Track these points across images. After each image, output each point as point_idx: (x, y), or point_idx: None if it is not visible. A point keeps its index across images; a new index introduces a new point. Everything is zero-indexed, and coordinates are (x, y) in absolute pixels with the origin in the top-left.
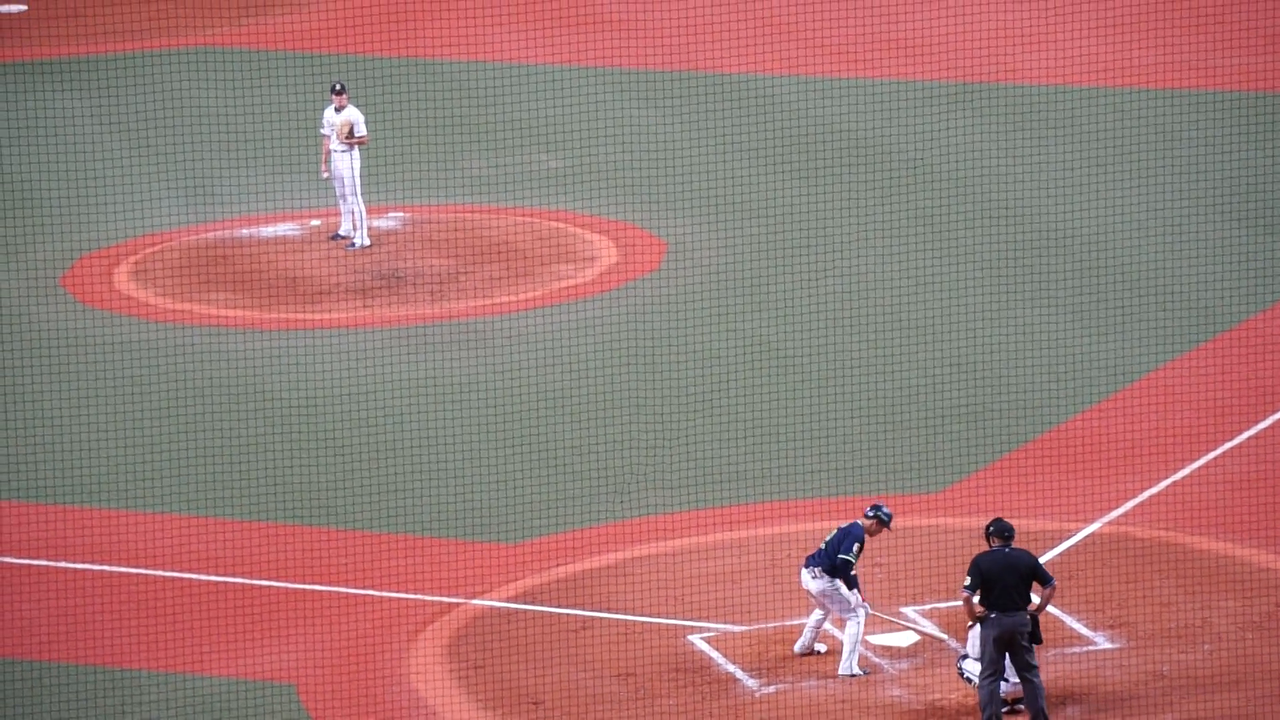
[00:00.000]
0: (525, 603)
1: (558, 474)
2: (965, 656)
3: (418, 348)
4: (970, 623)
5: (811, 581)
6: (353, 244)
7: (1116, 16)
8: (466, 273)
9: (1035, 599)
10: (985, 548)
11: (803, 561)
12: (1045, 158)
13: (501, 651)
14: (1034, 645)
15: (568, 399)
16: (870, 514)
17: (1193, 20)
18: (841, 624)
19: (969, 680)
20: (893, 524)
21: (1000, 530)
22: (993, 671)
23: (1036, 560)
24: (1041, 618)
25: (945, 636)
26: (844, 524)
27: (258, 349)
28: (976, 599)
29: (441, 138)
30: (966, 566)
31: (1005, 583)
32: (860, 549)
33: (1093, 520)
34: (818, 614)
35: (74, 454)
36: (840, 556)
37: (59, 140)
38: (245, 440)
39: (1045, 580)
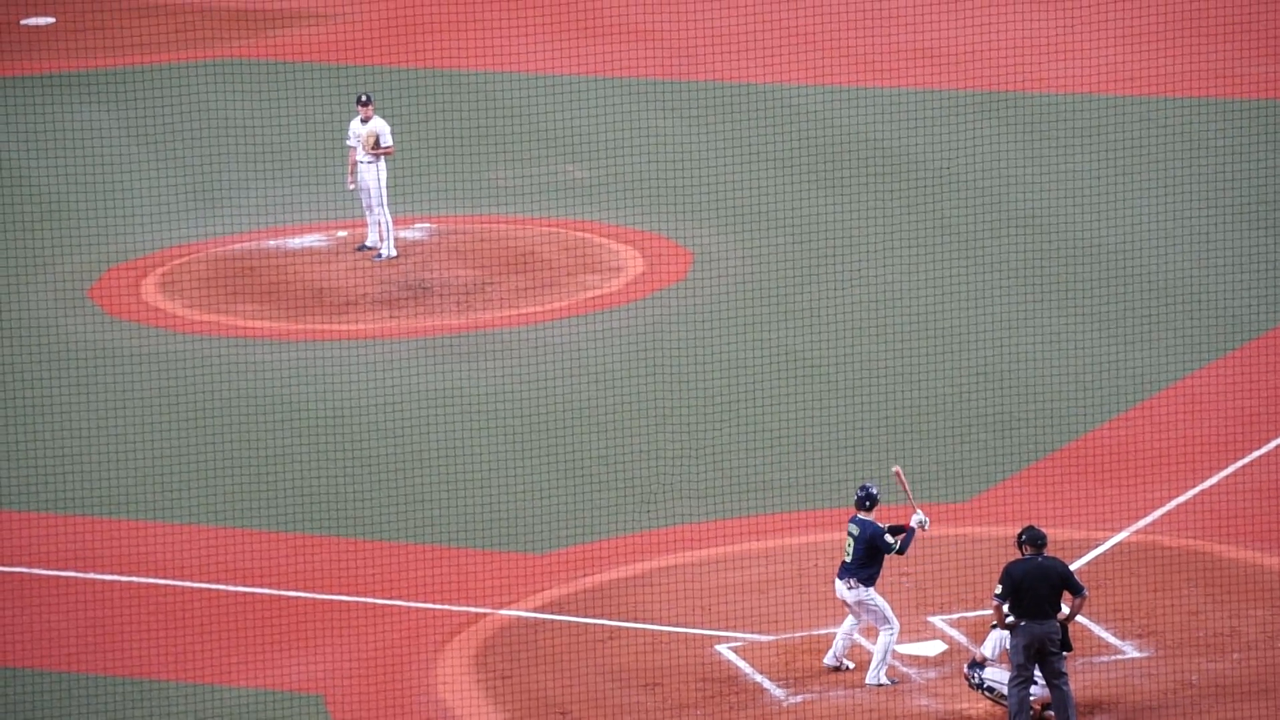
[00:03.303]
0: (552, 613)
1: (584, 484)
2: (980, 665)
3: (444, 358)
4: (992, 624)
5: (847, 592)
6: (379, 255)
7: (1143, 25)
8: (493, 283)
9: (1065, 608)
10: (1015, 555)
11: (836, 573)
12: (1072, 166)
13: (529, 661)
14: (1064, 653)
15: (594, 409)
16: (868, 504)
17: (1219, 28)
18: (873, 634)
19: (989, 690)
20: (878, 501)
21: (1033, 539)
22: (1023, 679)
23: (1069, 569)
24: (1071, 626)
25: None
26: (853, 531)
27: (285, 360)
28: (1006, 607)
29: (467, 148)
30: (994, 575)
31: (1037, 591)
32: (886, 535)
33: (1121, 529)
34: (851, 620)
35: (102, 465)
36: (885, 540)
37: (86, 152)
38: (273, 451)
39: (1077, 590)
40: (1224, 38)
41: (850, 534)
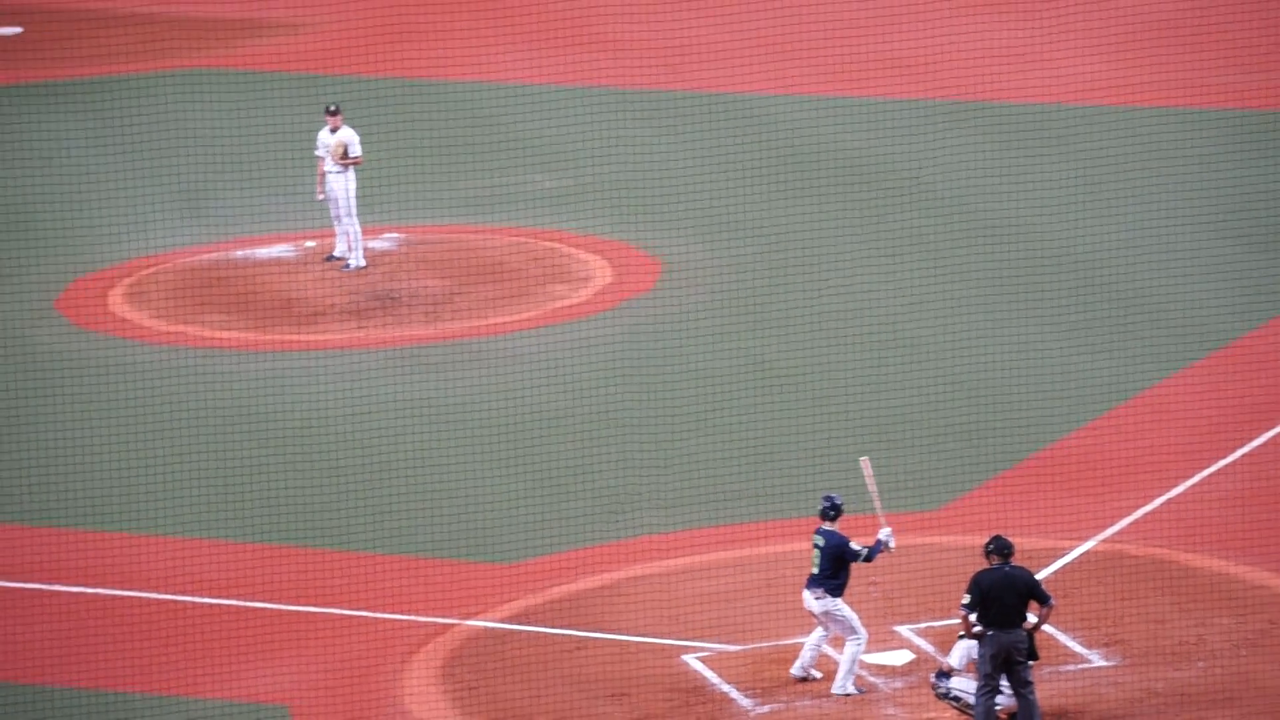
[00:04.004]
0: (520, 623)
1: (553, 494)
2: (946, 674)
3: (413, 369)
4: (960, 634)
5: (815, 602)
6: (348, 265)
7: (1111, 35)
8: (462, 293)
9: (1032, 617)
10: (983, 565)
11: (804, 584)
12: (1040, 176)
13: (496, 672)
14: (1030, 662)
15: (563, 419)
16: (832, 514)
17: (1186, 38)
18: (841, 644)
19: (955, 699)
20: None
21: (1000, 548)
22: (989, 688)
23: (1035, 578)
24: (1037, 635)
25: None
26: (819, 543)
27: (253, 371)
28: (974, 616)
29: (436, 158)
30: (961, 584)
31: (1004, 601)
32: (852, 544)
33: (1088, 538)
34: (819, 632)
35: (69, 477)
36: (851, 549)
37: (53, 163)
38: (240, 462)
39: (1043, 599)
40: (1191, 48)
41: (816, 545)
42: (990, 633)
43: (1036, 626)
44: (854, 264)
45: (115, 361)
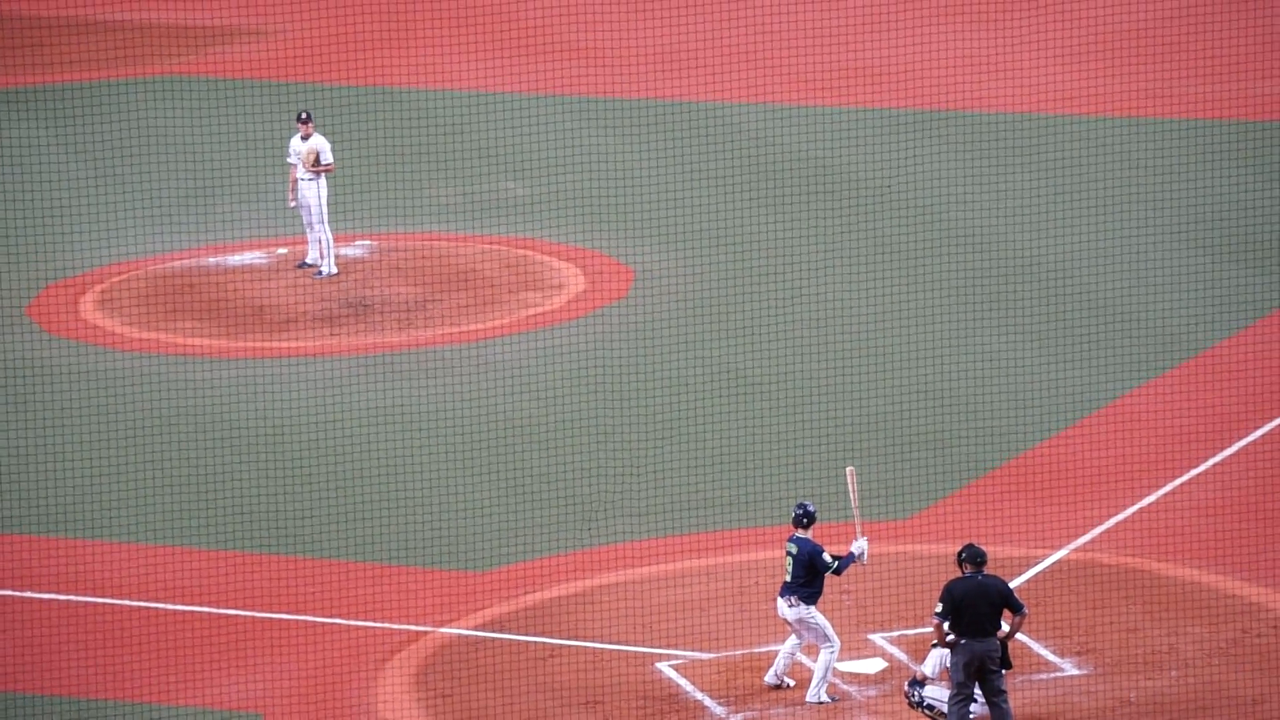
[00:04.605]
0: (493, 631)
1: (525, 502)
2: (920, 683)
3: (385, 376)
4: (932, 643)
5: (788, 610)
6: (320, 272)
7: (1078, 45)
8: (434, 301)
9: (1005, 626)
10: (955, 573)
11: (778, 591)
12: (1009, 185)
13: (469, 680)
14: (1003, 671)
15: (535, 427)
16: (805, 522)
17: (1153, 49)
18: (815, 652)
19: (929, 708)
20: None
21: (973, 556)
22: (963, 696)
23: (1009, 587)
24: (1010, 644)
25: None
26: (792, 550)
27: (224, 378)
28: (947, 625)
29: (408, 166)
30: (934, 592)
31: (977, 609)
32: (824, 554)
33: (1059, 547)
34: (793, 640)
35: (39, 483)
36: (822, 559)
37: (24, 169)
38: (211, 469)
39: (1017, 608)
40: (1160, 58)
41: (789, 553)
42: (963, 641)
43: (1010, 635)
44: (825, 273)
45: (87, 368)
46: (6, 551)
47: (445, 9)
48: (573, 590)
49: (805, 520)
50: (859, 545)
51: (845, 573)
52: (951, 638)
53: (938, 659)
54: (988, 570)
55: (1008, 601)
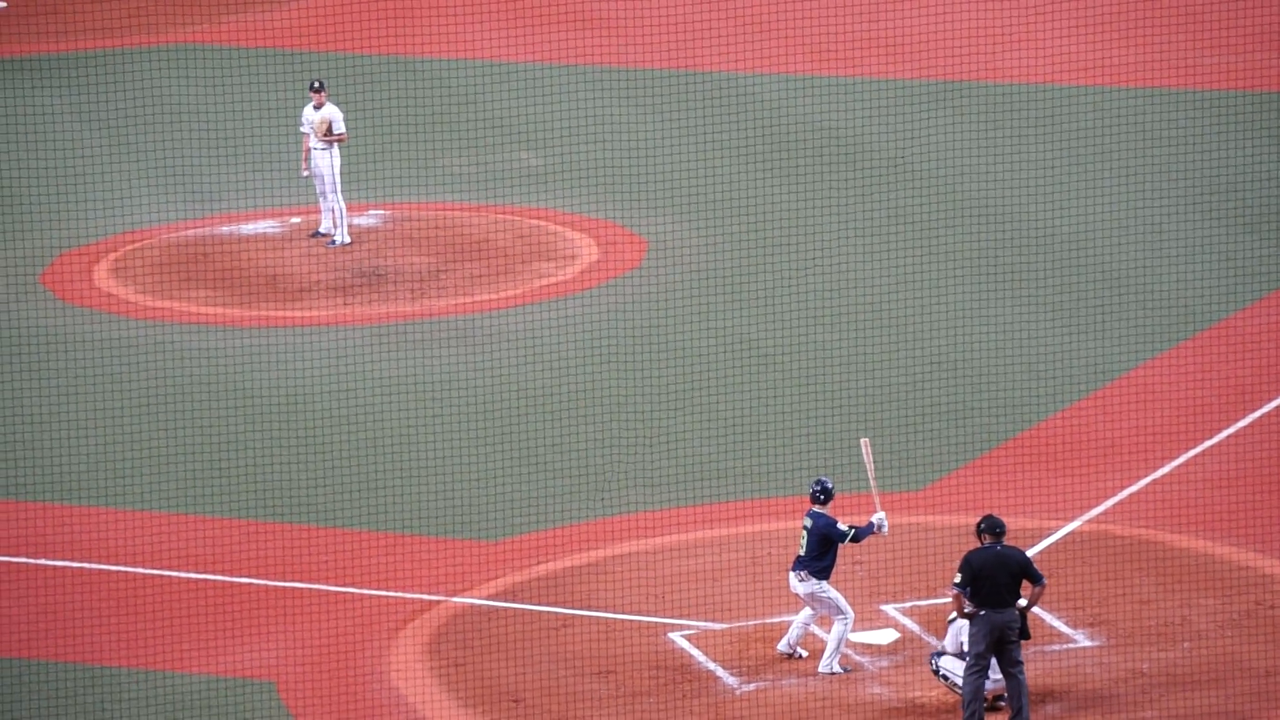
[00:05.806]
0: (506, 600)
1: (538, 472)
2: (940, 653)
3: (398, 345)
4: (950, 617)
5: (799, 584)
6: (333, 241)
7: (1096, 15)
8: (447, 270)
9: (1023, 597)
10: (969, 544)
11: (790, 565)
12: (1025, 156)
13: (482, 649)
14: (1021, 641)
15: (548, 397)
16: (823, 498)
17: (1172, 19)
18: (829, 623)
19: (944, 678)
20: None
21: (992, 527)
22: (980, 667)
23: (1028, 558)
24: (1029, 615)
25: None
26: (807, 525)
27: (238, 346)
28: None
29: (421, 135)
30: (947, 564)
31: (996, 580)
32: (839, 524)
33: (1073, 518)
34: (807, 611)
35: (53, 451)
36: (838, 529)
37: (39, 137)
38: (225, 438)
39: (1036, 579)
40: (1177, 28)
41: (805, 527)
42: (983, 612)
43: (1029, 606)
44: (839, 243)
45: (100, 337)
46: (20, 518)
47: None
48: (585, 560)
49: (823, 497)
50: (878, 516)
51: (861, 544)
52: (970, 609)
53: (956, 631)
54: (1007, 541)
55: (1027, 572)
